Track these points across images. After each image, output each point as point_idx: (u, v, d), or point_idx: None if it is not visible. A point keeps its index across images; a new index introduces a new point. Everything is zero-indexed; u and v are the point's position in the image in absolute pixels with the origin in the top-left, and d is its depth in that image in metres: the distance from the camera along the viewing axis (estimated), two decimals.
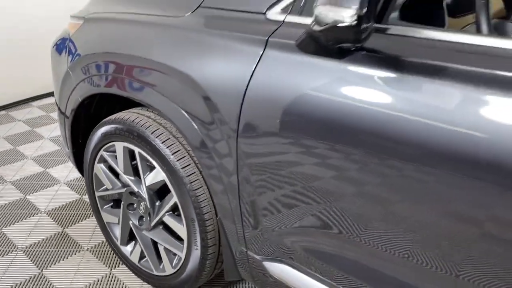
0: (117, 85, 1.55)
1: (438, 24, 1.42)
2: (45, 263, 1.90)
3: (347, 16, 0.82)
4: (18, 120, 3.38)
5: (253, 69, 1.15)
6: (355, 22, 0.82)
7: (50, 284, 1.79)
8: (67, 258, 1.94)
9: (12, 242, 2.01)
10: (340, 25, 0.84)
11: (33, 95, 3.73)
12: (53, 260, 1.92)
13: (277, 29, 1.14)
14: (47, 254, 1.95)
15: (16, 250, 1.97)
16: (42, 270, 1.86)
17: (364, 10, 0.81)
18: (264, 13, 1.19)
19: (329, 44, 0.92)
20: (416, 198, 0.93)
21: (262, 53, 1.14)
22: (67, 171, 2.61)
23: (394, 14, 1.23)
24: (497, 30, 1.30)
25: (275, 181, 1.19)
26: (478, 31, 1.20)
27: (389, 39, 0.99)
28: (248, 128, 1.18)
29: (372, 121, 0.94)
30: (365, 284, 1.13)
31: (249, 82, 1.16)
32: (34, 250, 1.97)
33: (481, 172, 0.83)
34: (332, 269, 1.19)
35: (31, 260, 1.91)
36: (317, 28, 0.89)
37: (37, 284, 1.79)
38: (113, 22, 1.62)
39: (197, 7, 1.35)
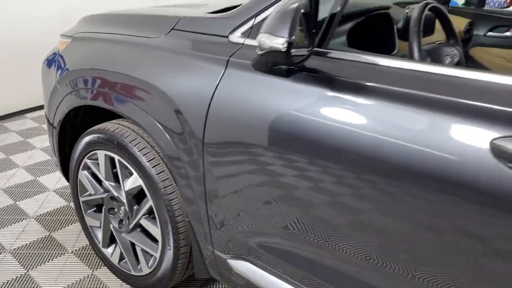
0: (100, 98, 1.70)
1: (390, 46, 1.58)
2: (32, 264, 2.02)
3: (279, 43, 0.98)
4: (11, 131, 3.52)
5: (216, 85, 1.30)
6: (285, 48, 0.97)
7: (35, 284, 1.91)
8: (52, 260, 2.06)
9: (1, 245, 2.13)
10: (274, 50, 0.99)
11: (27, 107, 3.88)
12: (39, 261, 2.04)
13: (237, 50, 1.29)
14: (34, 256, 2.07)
15: (4, 252, 2.09)
16: (28, 271, 1.98)
17: (292, 38, 0.97)
18: (227, 36, 1.35)
19: (269, 65, 1.07)
20: (360, 201, 1.07)
21: (224, 71, 1.30)
22: (56, 179, 2.74)
23: (342, 39, 1.40)
24: (433, 53, 1.46)
25: (236, 187, 1.33)
26: (411, 55, 1.35)
27: (327, 61, 1.14)
28: (212, 138, 1.32)
29: (309, 130, 1.09)
30: (322, 282, 1.25)
31: (212, 97, 1.31)
32: (21, 252, 2.09)
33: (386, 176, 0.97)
34: (291, 267, 1.32)
35: (18, 261, 2.03)
36: (259, 52, 1.04)
37: (23, 283, 1.91)
38: (97, 42, 1.78)
39: (171, 30, 1.51)
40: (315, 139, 1.08)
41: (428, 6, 1.41)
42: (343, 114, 1.06)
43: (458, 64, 1.53)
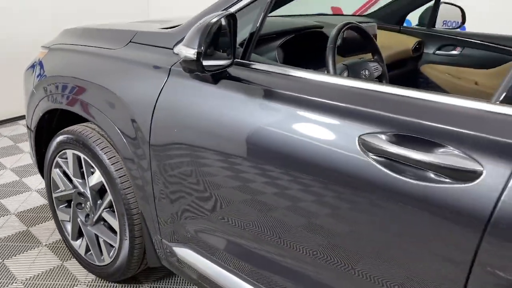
0: (69, 103, 1.90)
1: (323, 61, 1.76)
2: (8, 255, 2.20)
3: (190, 53, 1.17)
4: (4, 136, 3.73)
5: (159, 91, 1.50)
6: (195, 57, 1.17)
7: (9, 271, 2.08)
8: (26, 251, 2.24)
9: None
10: (188, 59, 1.19)
11: (20, 114, 4.09)
12: (15, 252, 2.22)
13: (178, 60, 1.48)
14: (10, 248, 2.25)
15: None
16: (3, 260, 2.16)
17: (202, 49, 1.16)
18: (172, 48, 1.54)
19: (187, 72, 1.27)
20: (276, 191, 1.23)
21: (167, 79, 1.49)
22: (40, 180, 2.93)
23: (272, 53, 1.59)
24: (353, 67, 1.65)
25: (178, 182, 1.51)
26: (327, 69, 1.54)
27: (248, 71, 1.33)
28: (156, 140, 1.51)
29: (229, 128, 1.28)
30: (251, 266, 1.41)
31: (156, 101, 1.50)
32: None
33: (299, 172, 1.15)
34: (225, 254, 1.48)
35: None
36: (180, 60, 1.24)
37: None
38: (69, 52, 1.98)
39: (128, 42, 1.71)
40: (234, 136, 1.27)
41: (347, 26, 1.61)
42: (255, 114, 1.25)
43: (379, 78, 1.71)
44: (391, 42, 2.44)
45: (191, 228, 1.56)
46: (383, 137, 1.03)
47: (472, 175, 0.90)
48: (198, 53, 1.17)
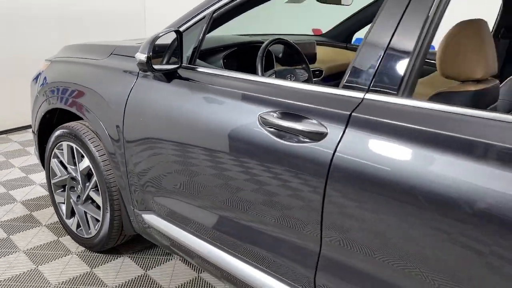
0: (66, 103, 2.36)
1: (267, 69, 2.21)
2: (12, 232, 2.64)
3: (142, 57, 1.63)
4: (14, 141, 4.22)
5: (130, 90, 1.95)
6: (146, 60, 1.63)
7: (12, 242, 2.52)
8: (28, 230, 2.68)
9: None
10: (142, 62, 1.65)
11: (28, 123, 4.58)
12: (19, 230, 2.66)
13: None
14: (15, 227, 2.69)
15: None
16: (9, 235, 2.60)
17: (150, 54, 1.62)
18: None
19: (142, 72, 1.73)
20: (213, 166, 1.64)
21: (135, 81, 1.95)
22: (42, 177, 3.38)
23: (219, 62, 2.05)
24: (282, 72, 2.10)
25: (143, 160, 1.94)
26: (256, 72, 1.99)
27: (193, 72, 1.78)
28: (127, 127, 1.95)
29: (179, 115, 1.72)
30: (203, 225, 1.81)
31: (127, 97, 1.95)
32: (6, 224, 2.71)
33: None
34: (182, 217, 1.90)
35: (4, 230, 2.65)
36: (137, 63, 1.70)
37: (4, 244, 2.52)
38: (67, 63, 2.46)
39: (110, 54, 2.18)
40: (180, 121, 1.71)
41: (274, 41, 2.07)
42: (195, 103, 1.70)
43: (306, 81, 2.16)
44: (337, 57, 2.90)
45: (154, 197, 1.99)
46: (276, 114, 1.47)
47: (321, 136, 1.33)
48: (148, 57, 1.63)
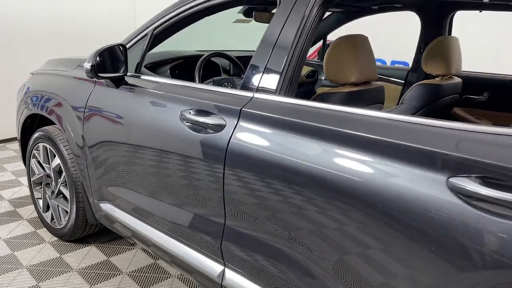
0: (42, 109, 2.71)
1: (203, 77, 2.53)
2: None
3: (88, 66, 1.98)
4: (10, 149, 4.60)
5: (88, 95, 2.29)
6: (90, 68, 1.97)
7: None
8: (10, 223, 3.01)
9: None
10: (88, 70, 1.99)
11: None
12: (2, 223, 2.99)
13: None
14: (0, 221, 3.03)
15: None
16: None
17: (94, 63, 1.96)
18: None
19: (90, 78, 2.08)
20: (157, 157, 1.97)
21: (93, 88, 2.29)
22: None
23: (167, 71, 2.39)
24: (220, 81, 2.43)
25: (99, 155, 2.27)
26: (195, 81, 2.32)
27: (138, 79, 2.11)
28: (86, 128, 2.29)
29: (124, 114, 2.05)
30: (149, 212, 2.11)
31: (87, 102, 2.29)
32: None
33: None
34: (131, 204, 2.21)
35: None
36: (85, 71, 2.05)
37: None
38: (44, 75, 2.83)
39: (77, 66, 2.54)
40: (126, 120, 2.03)
41: (213, 54, 2.40)
42: (136, 105, 2.03)
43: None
44: None
45: (107, 187, 2.31)
46: (192, 112, 1.79)
47: (221, 127, 1.64)
48: (92, 66, 1.97)
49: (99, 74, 2.02)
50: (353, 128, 1.32)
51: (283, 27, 1.61)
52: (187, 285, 2.40)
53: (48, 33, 5.03)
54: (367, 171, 1.25)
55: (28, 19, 4.83)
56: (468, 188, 1.05)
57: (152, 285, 2.38)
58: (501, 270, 1.03)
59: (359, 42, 1.76)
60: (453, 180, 1.09)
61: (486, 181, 1.05)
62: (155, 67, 2.42)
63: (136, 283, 2.39)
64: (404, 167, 1.18)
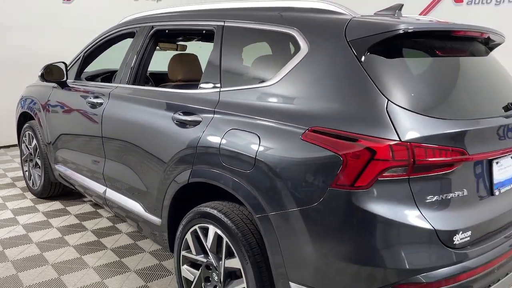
0: (27, 108, 4.10)
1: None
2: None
3: (39, 73, 3.34)
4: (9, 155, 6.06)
5: (49, 95, 3.66)
6: (40, 75, 3.32)
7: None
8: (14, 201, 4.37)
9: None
10: (38, 75, 3.35)
11: None
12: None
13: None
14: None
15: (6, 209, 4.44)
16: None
17: (42, 71, 3.32)
18: None
19: (43, 81, 3.44)
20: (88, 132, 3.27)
21: (52, 90, 3.66)
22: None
23: (99, 79, 3.75)
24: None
25: (55, 134, 3.60)
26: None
27: (78, 84, 3.44)
28: (47, 118, 3.65)
29: (67, 108, 3.39)
30: (88, 170, 3.37)
31: (48, 100, 3.66)
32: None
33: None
34: (80, 168, 3.49)
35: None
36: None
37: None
38: (30, 86, 4.24)
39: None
40: (67, 111, 3.37)
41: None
42: (71, 99, 3.37)
43: None
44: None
45: (61, 154, 3.62)
46: (92, 97, 3.09)
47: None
48: (42, 73, 3.33)
49: (46, 79, 3.38)
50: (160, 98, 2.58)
51: (132, 51, 2.90)
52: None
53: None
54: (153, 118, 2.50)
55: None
56: (176, 116, 2.29)
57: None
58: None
59: (186, 59, 3.05)
60: (173, 114, 2.33)
61: (184, 112, 2.28)
62: (94, 77, 3.80)
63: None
64: (159, 111, 2.43)
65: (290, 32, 1.97)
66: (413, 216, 1.59)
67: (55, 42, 6.17)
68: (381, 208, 1.57)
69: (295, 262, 1.74)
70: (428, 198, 1.62)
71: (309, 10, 2.04)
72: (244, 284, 1.94)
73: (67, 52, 4.27)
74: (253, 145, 1.87)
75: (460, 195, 1.70)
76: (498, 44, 2.35)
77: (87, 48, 3.47)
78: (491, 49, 2.34)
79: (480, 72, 2.09)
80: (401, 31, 1.69)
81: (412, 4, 5.65)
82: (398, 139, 1.56)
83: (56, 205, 3.99)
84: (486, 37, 2.10)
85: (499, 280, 1.82)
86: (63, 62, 3.45)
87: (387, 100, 1.62)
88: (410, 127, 1.59)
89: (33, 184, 4.18)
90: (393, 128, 1.57)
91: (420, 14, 5.62)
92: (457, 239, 1.64)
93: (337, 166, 1.61)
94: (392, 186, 1.59)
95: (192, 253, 2.21)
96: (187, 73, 2.92)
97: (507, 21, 4.78)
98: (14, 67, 6.01)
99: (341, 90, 1.75)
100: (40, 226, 3.53)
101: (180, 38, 3.49)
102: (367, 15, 1.94)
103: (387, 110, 1.60)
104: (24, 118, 4.34)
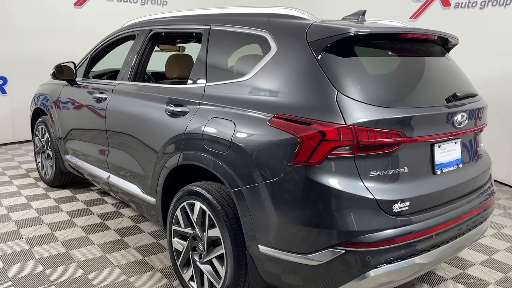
0: (40, 104, 4.48)
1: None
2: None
3: (51, 72, 3.70)
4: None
5: (60, 92, 4.03)
6: (52, 74, 3.69)
7: None
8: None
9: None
10: (50, 74, 3.72)
11: None
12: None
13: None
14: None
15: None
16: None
17: (54, 70, 3.69)
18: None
19: (55, 79, 3.81)
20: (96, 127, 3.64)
21: (63, 88, 4.03)
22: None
23: (105, 77, 4.12)
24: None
25: (67, 129, 3.97)
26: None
27: (86, 81, 3.81)
28: (58, 114, 4.02)
29: (78, 104, 3.76)
30: (97, 161, 3.74)
31: (59, 96, 4.03)
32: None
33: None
34: (86, 156, 3.85)
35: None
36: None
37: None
38: (45, 84, 4.62)
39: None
40: (75, 105, 3.74)
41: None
42: (79, 95, 3.73)
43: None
44: None
45: (71, 147, 3.99)
46: (97, 93, 3.45)
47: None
48: (53, 72, 3.70)
49: (57, 77, 3.75)
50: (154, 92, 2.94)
51: (133, 51, 3.26)
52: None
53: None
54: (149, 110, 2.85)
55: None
56: (168, 107, 2.64)
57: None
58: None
59: (180, 59, 3.40)
60: (166, 106, 2.68)
61: (175, 104, 2.62)
62: (101, 75, 4.16)
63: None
64: (155, 104, 2.78)
65: (263, 34, 2.31)
66: (357, 188, 1.91)
67: (67, 44, 6.56)
68: (330, 180, 1.89)
69: (262, 226, 2.07)
70: (371, 173, 1.94)
71: (280, 16, 2.37)
72: (223, 250, 2.27)
73: (81, 51, 4.62)
74: (230, 131, 2.21)
75: (401, 172, 2.01)
76: (454, 45, 2.67)
77: (94, 49, 3.83)
78: (448, 49, 2.66)
79: (429, 69, 2.40)
80: (351, 34, 2.01)
81: (402, 9, 5.99)
82: (345, 123, 1.88)
83: (66, 192, 4.36)
84: (435, 38, 2.41)
85: (439, 246, 2.13)
86: (73, 62, 3.81)
87: (337, 91, 1.94)
88: (355, 113, 1.91)
89: (45, 174, 4.55)
90: (340, 115, 1.89)
91: (410, 18, 5.92)
92: (396, 207, 1.96)
93: (296, 146, 1.93)
94: (340, 162, 1.91)
95: (181, 227, 2.55)
96: (182, 71, 3.26)
97: (490, 23, 5.07)
98: (30, 68, 6.39)
99: (302, 83, 2.07)
100: (51, 210, 3.89)
101: (175, 40, 3.87)
102: (327, 20, 2.26)
103: (336, 100, 1.92)
104: (37, 114, 4.72)
